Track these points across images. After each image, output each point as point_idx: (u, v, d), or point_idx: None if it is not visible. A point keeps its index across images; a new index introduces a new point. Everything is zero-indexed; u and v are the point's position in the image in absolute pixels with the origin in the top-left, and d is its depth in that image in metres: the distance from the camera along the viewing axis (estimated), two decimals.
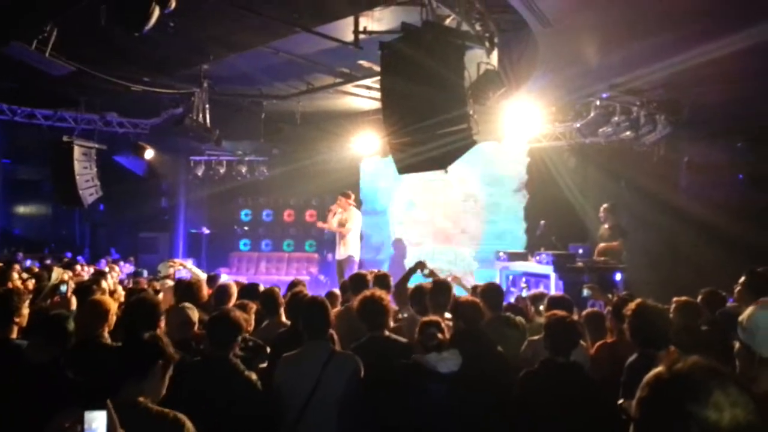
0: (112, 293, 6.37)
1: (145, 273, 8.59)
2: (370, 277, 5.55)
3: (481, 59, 6.41)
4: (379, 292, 4.17)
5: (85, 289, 4.98)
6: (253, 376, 3.30)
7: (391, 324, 4.35)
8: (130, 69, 8.30)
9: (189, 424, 2.36)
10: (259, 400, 3.28)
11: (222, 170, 13.32)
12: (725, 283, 4.90)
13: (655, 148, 9.27)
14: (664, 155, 9.25)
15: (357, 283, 5.37)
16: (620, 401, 3.16)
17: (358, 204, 12.52)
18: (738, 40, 5.41)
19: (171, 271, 7.62)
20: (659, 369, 1.31)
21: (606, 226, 9.04)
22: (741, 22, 5.27)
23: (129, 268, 11.66)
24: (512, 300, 6.76)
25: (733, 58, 6.23)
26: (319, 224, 11.11)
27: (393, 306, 4.75)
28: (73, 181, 10.01)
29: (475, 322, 3.98)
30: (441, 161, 5.62)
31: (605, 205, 9.13)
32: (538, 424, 3.41)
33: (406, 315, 5.03)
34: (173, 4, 4.53)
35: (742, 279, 4.61)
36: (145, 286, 6.77)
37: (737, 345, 2.11)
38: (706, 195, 8.71)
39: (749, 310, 2.09)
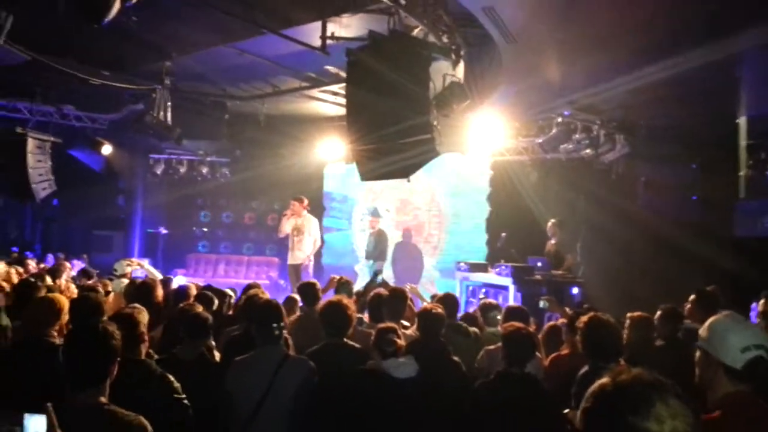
0: (62, 291, 6.17)
1: (93, 272, 8.31)
2: (319, 286, 5.50)
3: (446, 71, 6.46)
4: (346, 300, 4.15)
5: (28, 286, 4.79)
6: (171, 378, 3.10)
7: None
8: (89, 61, 8.09)
9: (149, 428, 2.27)
10: (179, 404, 3.08)
11: (182, 170, 13.05)
12: (680, 297, 5.02)
13: (614, 166, 9.49)
14: (622, 173, 9.47)
15: (307, 291, 5.31)
16: (566, 411, 3.20)
17: (321, 210, 12.46)
18: (690, 59, 5.58)
19: (128, 270, 7.42)
20: (603, 380, 1.33)
21: (552, 241, 9.22)
22: (692, 43, 5.43)
23: (81, 265, 11.32)
24: (470, 310, 6.81)
25: (686, 79, 6.45)
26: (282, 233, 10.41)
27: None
28: (25, 174, 9.71)
29: (436, 331, 4.00)
30: (404, 170, 5.65)
31: (552, 221, 9.29)
32: None
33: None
34: None
35: (692, 297, 4.75)
36: (97, 285, 6.56)
37: (697, 354, 2.25)
38: (662, 214, 8.93)
39: (709, 320, 2.25)
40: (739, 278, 7.51)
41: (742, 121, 8.35)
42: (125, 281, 6.14)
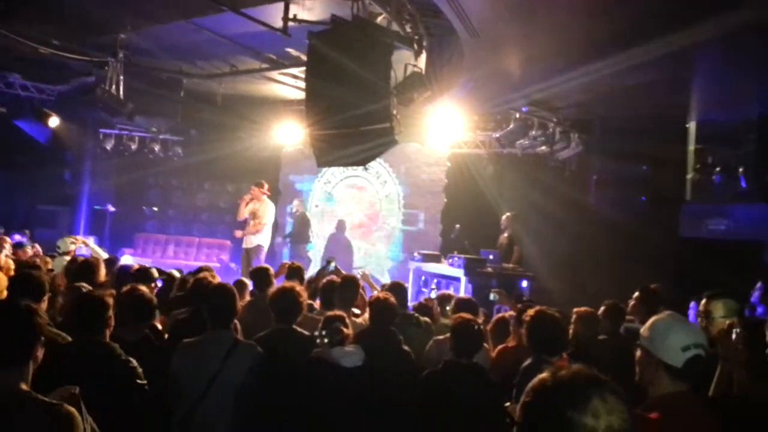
0: (1, 268, 5.92)
1: (26, 243, 7.94)
2: (272, 271, 5.44)
3: (408, 61, 6.44)
4: (299, 287, 4.12)
5: None
6: (133, 362, 3.11)
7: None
8: (38, 28, 7.74)
9: (78, 419, 2.09)
10: (140, 389, 3.10)
11: (133, 146, 12.68)
12: (628, 293, 5.16)
13: (568, 163, 9.67)
14: (575, 171, 9.66)
15: (260, 276, 5.25)
16: (507, 404, 3.26)
17: (277, 194, 12.32)
18: (641, 54, 5.69)
19: (72, 248, 7.18)
20: (543, 375, 1.35)
21: (505, 234, 9.36)
22: (644, 38, 5.54)
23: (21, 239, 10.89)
24: (422, 300, 6.84)
25: (639, 83, 6.61)
26: (238, 233, 10.29)
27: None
28: None
29: (387, 321, 4.01)
30: (362, 159, 5.64)
31: (508, 214, 9.45)
32: (439, 423, 3.47)
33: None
34: None
35: (636, 295, 4.88)
36: (37, 261, 6.32)
37: (638, 353, 2.29)
38: (612, 212, 9.15)
39: (651, 319, 2.30)
40: (684, 277, 7.78)
41: (691, 125, 8.62)
42: (67, 259, 5.93)
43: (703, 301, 3.57)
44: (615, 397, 1.28)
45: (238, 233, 10.17)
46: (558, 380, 1.32)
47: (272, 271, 5.44)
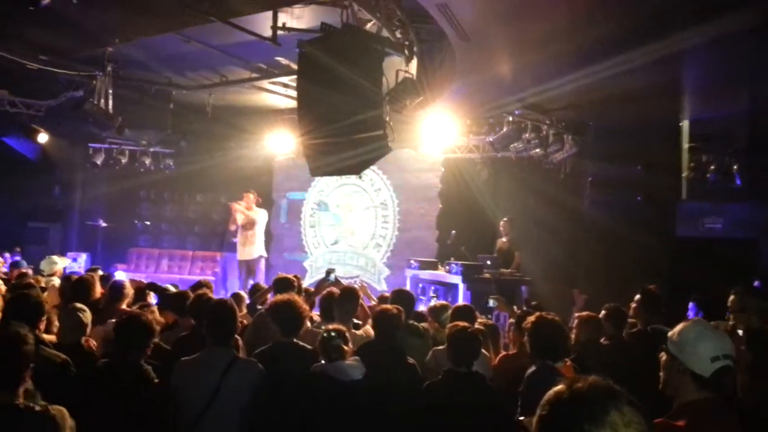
0: None
1: (25, 264, 7.81)
2: (296, 281, 5.34)
3: (399, 67, 6.41)
4: (298, 298, 4.07)
5: None
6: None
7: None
8: (25, 45, 7.66)
9: (63, 418, 2.26)
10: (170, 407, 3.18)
11: (124, 160, 12.54)
12: (622, 294, 5.12)
13: (563, 166, 9.65)
14: (570, 173, 9.64)
15: (283, 286, 5.13)
16: (521, 418, 3.22)
17: (270, 204, 12.24)
18: (634, 58, 5.69)
19: (56, 268, 7.08)
20: (559, 387, 1.32)
21: (504, 239, 9.35)
22: (635, 43, 5.53)
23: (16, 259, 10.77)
24: (419, 309, 6.78)
25: (631, 83, 6.60)
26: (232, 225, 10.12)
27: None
28: None
29: (392, 332, 3.96)
30: (356, 167, 5.60)
31: (506, 219, 9.45)
32: None
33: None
34: None
35: (637, 297, 4.85)
36: (32, 282, 6.22)
37: (664, 357, 2.27)
38: (607, 213, 9.14)
39: (680, 325, 2.28)
40: (678, 277, 7.76)
41: (684, 124, 8.63)
42: (56, 280, 5.83)
43: (731, 298, 3.53)
44: (632, 409, 1.25)
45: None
46: (574, 393, 1.29)
47: (297, 282, 5.34)
